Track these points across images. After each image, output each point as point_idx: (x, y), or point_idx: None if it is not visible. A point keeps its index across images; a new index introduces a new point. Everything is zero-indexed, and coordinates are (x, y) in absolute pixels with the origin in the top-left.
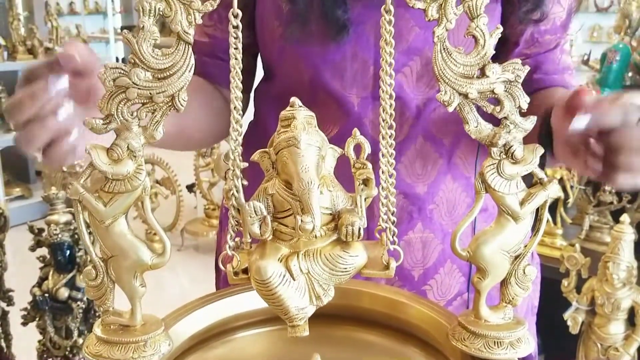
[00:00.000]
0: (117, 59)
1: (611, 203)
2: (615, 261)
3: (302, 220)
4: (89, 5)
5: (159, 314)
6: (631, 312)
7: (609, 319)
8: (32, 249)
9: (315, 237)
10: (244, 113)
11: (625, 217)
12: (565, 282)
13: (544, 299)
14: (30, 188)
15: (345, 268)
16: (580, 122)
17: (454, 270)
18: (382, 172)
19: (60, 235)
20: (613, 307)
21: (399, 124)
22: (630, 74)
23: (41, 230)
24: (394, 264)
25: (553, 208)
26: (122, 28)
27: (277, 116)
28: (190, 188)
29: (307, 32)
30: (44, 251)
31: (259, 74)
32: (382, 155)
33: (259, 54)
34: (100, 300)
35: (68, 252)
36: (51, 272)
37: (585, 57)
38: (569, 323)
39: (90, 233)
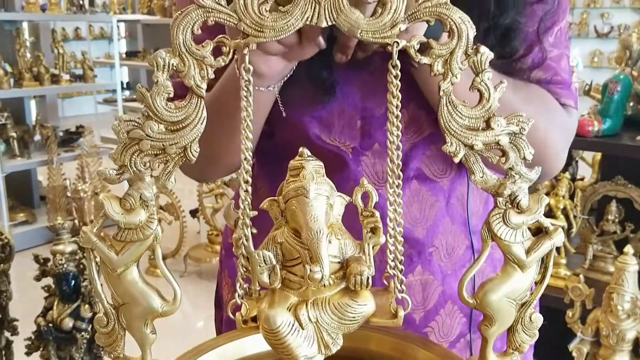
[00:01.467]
0: (122, 84)
1: (614, 233)
2: (620, 292)
3: (310, 270)
4: (94, 30)
5: (162, 342)
6: (636, 343)
7: (614, 350)
8: (37, 278)
9: (324, 285)
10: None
11: (628, 248)
12: (569, 312)
13: (549, 330)
14: (35, 213)
15: (354, 317)
16: None
17: (455, 311)
18: (390, 220)
19: (65, 265)
20: (618, 339)
21: (386, 169)
22: (631, 104)
23: (46, 260)
24: (402, 313)
25: None
26: (127, 53)
27: (277, 166)
28: (193, 213)
29: (294, 93)
30: (48, 280)
31: None
32: (390, 203)
33: None
34: (111, 347)
35: (73, 282)
36: (56, 302)
37: (587, 87)
38: (574, 354)
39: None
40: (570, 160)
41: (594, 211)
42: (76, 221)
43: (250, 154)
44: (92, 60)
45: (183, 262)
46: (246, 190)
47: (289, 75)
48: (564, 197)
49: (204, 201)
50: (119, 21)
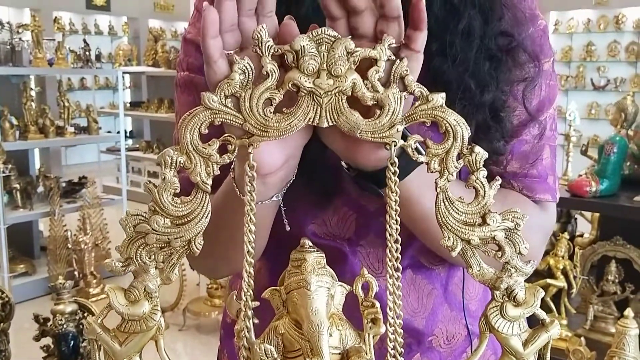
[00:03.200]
0: (125, 132)
1: (615, 293)
2: (621, 357)
3: None
4: (99, 80)
5: None
6: None
7: None
8: (37, 338)
9: None
10: None
11: (629, 312)
12: None
13: None
14: (34, 264)
15: None
16: None
17: None
18: (390, 309)
19: (65, 326)
20: None
21: (382, 259)
22: (628, 164)
23: (46, 319)
24: None
25: (557, 297)
26: (131, 103)
27: (277, 252)
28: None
29: (295, 198)
30: (47, 340)
31: None
32: (389, 292)
33: None
34: None
35: (72, 342)
36: None
37: (583, 147)
38: None
39: None
40: (569, 219)
41: (594, 268)
42: (76, 273)
43: (253, 245)
44: (97, 109)
45: (182, 316)
46: (249, 283)
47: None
48: (563, 257)
49: None
50: (124, 73)
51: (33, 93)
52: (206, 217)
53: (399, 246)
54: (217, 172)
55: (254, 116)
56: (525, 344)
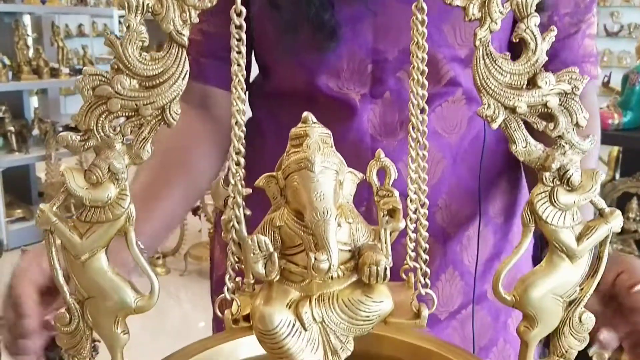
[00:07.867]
0: None
1: (635, 231)
2: None
3: (315, 258)
4: (97, 27)
5: (160, 341)
6: None
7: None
8: None
9: (332, 278)
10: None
11: None
12: None
13: None
14: (32, 210)
15: (368, 316)
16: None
17: (456, 278)
18: (411, 201)
19: None
20: None
21: (399, 121)
22: None
23: None
24: (426, 312)
25: None
26: None
27: (274, 115)
28: (194, 211)
29: (298, 40)
30: None
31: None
32: (411, 181)
33: (253, 49)
34: (75, 349)
35: None
36: None
37: (606, 79)
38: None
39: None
40: None
41: (613, 206)
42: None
43: (243, 117)
44: (95, 57)
45: (183, 261)
46: (238, 163)
47: (288, 22)
48: None
49: (205, 198)
50: (121, 17)
51: (30, 39)
52: (183, 78)
53: (425, 134)
54: (195, 20)
55: None
56: (579, 238)
